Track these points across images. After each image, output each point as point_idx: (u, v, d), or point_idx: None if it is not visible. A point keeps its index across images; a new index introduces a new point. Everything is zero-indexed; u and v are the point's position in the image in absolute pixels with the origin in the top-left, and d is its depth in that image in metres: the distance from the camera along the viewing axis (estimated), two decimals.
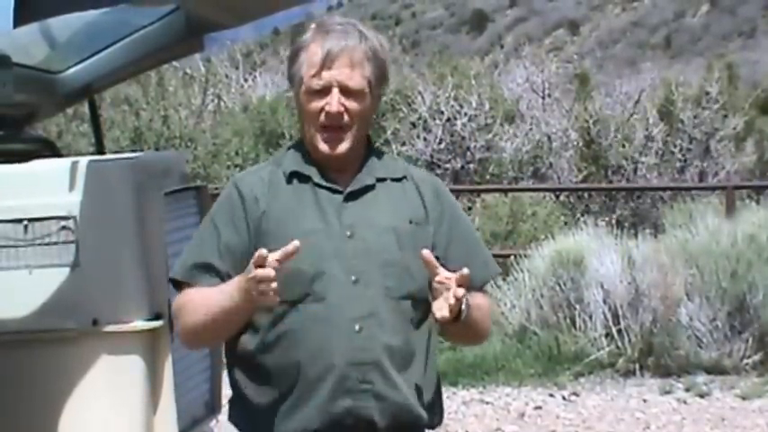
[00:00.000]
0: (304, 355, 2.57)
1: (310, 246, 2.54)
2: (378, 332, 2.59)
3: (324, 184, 2.65)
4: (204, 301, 2.59)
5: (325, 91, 2.61)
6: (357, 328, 2.57)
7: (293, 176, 2.66)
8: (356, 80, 2.62)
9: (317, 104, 2.62)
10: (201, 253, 2.65)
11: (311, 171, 2.65)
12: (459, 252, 2.73)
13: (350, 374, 2.57)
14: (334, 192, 2.65)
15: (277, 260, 2.43)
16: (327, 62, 2.60)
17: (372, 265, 2.60)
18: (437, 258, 2.68)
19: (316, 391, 2.57)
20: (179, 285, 2.68)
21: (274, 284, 2.43)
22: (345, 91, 2.61)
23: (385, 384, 2.60)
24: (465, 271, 2.52)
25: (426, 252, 2.56)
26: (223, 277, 2.61)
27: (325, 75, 2.61)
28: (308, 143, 2.67)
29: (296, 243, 2.45)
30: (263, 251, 2.43)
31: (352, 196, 2.65)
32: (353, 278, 2.58)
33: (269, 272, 2.42)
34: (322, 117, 2.62)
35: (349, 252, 2.59)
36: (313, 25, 2.68)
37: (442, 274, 2.54)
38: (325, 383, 2.57)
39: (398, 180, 2.72)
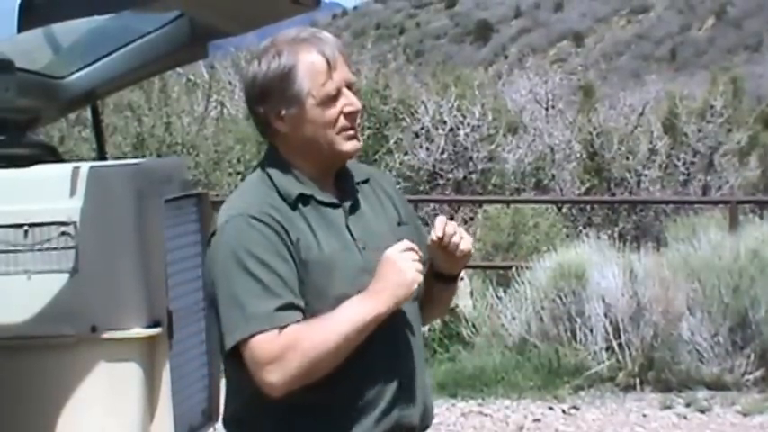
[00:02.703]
0: (360, 375, 2.53)
1: (343, 266, 2.52)
2: (410, 338, 2.62)
3: (326, 200, 2.59)
4: (329, 329, 2.44)
5: (336, 95, 2.56)
6: (397, 338, 2.59)
7: (297, 200, 2.56)
8: (352, 73, 2.62)
9: (333, 110, 2.56)
10: (273, 295, 2.44)
11: (311, 190, 2.58)
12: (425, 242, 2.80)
13: (400, 386, 2.58)
14: (335, 206, 2.60)
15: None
16: (332, 65, 2.55)
17: None
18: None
19: (371, 411, 2.55)
20: (259, 334, 2.45)
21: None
22: (349, 87, 2.59)
23: (419, 389, 2.63)
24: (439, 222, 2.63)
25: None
26: (305, 313, 2.48)
27: (336, 76, 2.55)
28: (324, 154, 2.59)
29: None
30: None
31: (351, 208, 2.62)
32: None
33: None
34: (342, 120, 2.56)
35: (370, 264, 2.55)
36: (276, 47, 2.57)
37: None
38: (381, 402, 2.55)
39: (365, 182, 2.71)
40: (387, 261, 2.47)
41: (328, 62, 2.54)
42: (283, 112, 2.56)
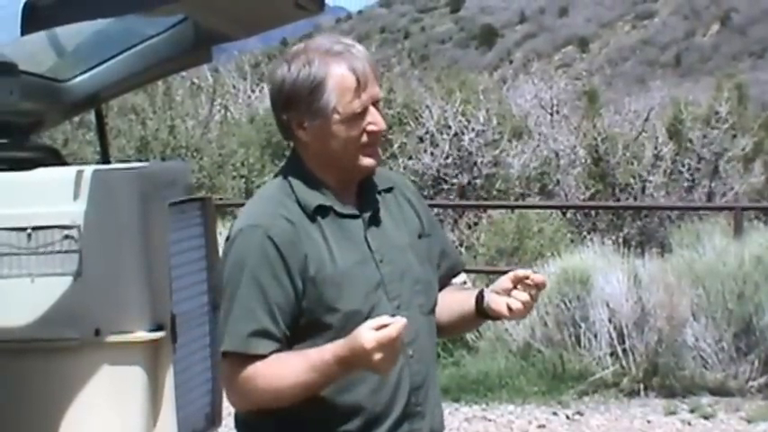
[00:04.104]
0: (369, 392, 2.52)
1: (358, 282, 2.50)
2: (424, 352, 2.61)
3: (345, 212, 2.56)
4: (281, 379, 2.45)
5: (362, 113, 2.52)
6: (411, 353, 2.56)
7: (316, 211, 2.54)
8: (379, 88, 2.58)
9: (357, 128, 2.52)
10: (253, 319, 2.46)
11: (331, 200, 2.55)
12: (443, 245, 2.79)
13: (410, 400, 2.56)
14: (354, 217, 2.57)
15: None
16: (362, 83, 2.50)
17: (405, 286, 2.58)
18: (438, 266, 2.73)
19: (379, 425, 2.54)
20: (230, 354, 2.51)
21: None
22: (376, 103, 2.56)
23: (430, 402, 2.62)
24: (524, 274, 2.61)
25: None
26: (280, 340, 2.47)
27: (364, 96, 2.51)
28: (343, 167, 2.56)
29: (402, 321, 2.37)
30: (382, 320, 2.36)
31: (371, 219, 2.60)
32: (396, 304, 2.54)
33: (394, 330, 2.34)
34: (364, 137, 2.53)
35: (386, 278, 2.55)
36: (308, 54, 2.52)
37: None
38: (391, 415, 2.54)
39: (389, 191, 2.69)
40: (361, 349, 2.35)
41: (358, 80, 2.50)
42: (306, 123, 2.53)
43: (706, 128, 16.39)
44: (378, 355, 2.33)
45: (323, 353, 2.41)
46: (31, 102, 4.31)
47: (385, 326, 2.34)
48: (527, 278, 2.58)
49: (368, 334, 2.33)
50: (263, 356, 2.46)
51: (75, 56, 4.61)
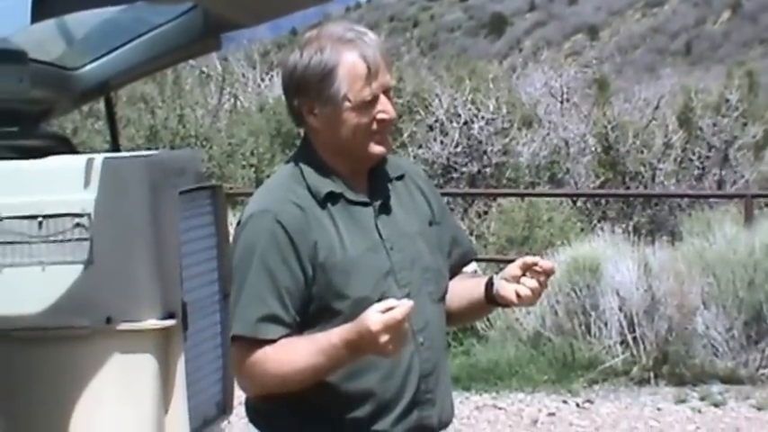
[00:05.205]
0: (379, 378, 2.53)
1: (367, 269, 2.51)
2: (434, 340, 2.62)
3: (356, 199, 2.57)
4: (289, 363, 2.46)
5: (372, 101, 2.53)
6: (421, 340, 2.57)
7: (327, 198, 2.55)
8: (390, 76, 2.59)
9: (367, 116, 2.53)
10: (263, 304, 2.48)
11: (342, 187, 2.56)
12: (454, 233, 2.79)
13: (420, 388, 2.57)
14: (365, 205, 2.58)
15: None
16: (373, 71, 2.51)
17: (415, 274, 2.59)
18: (449, 254, 2.74)
19: (389, 412, 2.54)
20: (240, 338, 2.53)
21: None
22: (387, 92, 2.56)
23: (440, 389, 2.63)
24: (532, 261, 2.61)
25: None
26: (290, 325, 2.48)
27: (375, 84, 2.52)
28: (353, 154, 2.57)
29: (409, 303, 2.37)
30: (389, 303, 2.36)
31: (382, 207, 2.60)
32: (406, 292, 2.54)
33: (398, 313, 2.34)
34: (375, 125, 2.54)
35: (396, 266, 2.56)
36: (320, 41, 2.53)
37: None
38: (401, 402, 2.55)
39: (400, 178, 2.69)
40: (367, 332, 2.36)
41: (369, 68, 2.51)
42: (317, 110, 2.54)
43: (716, 116, 16.36)
44: (384, 338, 2.34)
45: (330, 336, 2.42)
46: (41, 90, 4.31)
47: (392, 308, 2.34)
48: (536, 265, 2.58)
49: (374, 316, 2.34)
50: (272, 341, 2.47)
51: (84, 44, 4.61)
